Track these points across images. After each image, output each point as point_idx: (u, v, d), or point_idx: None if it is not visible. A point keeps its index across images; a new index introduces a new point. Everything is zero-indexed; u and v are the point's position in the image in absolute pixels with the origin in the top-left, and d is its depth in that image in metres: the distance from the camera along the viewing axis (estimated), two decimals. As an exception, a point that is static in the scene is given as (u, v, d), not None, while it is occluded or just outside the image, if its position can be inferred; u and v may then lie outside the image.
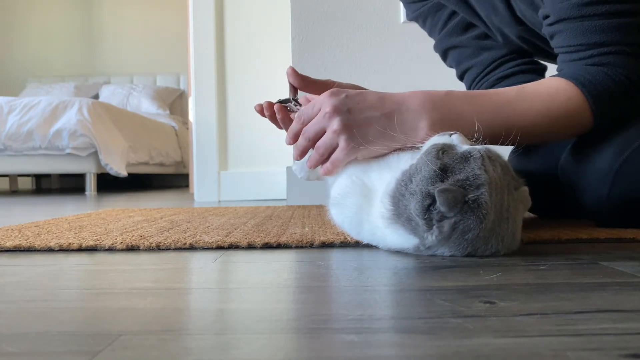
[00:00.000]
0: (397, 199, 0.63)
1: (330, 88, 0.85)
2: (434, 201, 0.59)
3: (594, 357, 0.31)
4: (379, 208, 0.66)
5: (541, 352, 0.32)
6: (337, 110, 0.72)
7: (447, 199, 0.58)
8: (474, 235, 0.59)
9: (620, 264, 0.58)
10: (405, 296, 0.47)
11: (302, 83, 0.83)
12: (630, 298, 0.44)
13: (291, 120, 0.84)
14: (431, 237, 0.60)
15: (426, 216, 0.60)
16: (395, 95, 0.75)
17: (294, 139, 0.77)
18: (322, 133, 0.74)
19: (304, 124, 0.75)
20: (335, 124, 0.72)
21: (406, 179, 0.63)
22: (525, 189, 0.65)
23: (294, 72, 0.83)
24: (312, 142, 0.75)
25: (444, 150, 0.63)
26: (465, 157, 0.61)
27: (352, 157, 0.73)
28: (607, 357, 0.30)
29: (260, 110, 0.85)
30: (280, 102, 0.85)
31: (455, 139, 0.65)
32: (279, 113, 0.84)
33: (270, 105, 0.84)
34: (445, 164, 0.61)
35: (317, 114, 0.74)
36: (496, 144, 0.84)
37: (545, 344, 0.33)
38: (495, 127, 0.76)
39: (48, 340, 0.36)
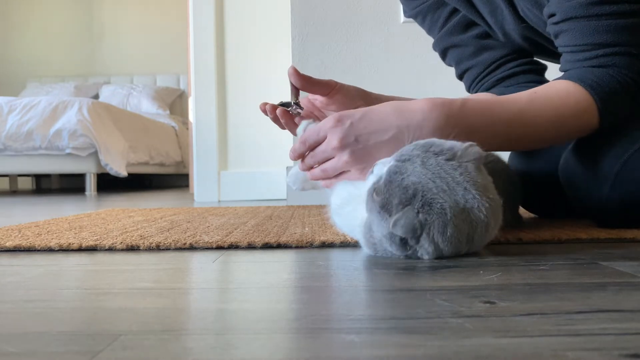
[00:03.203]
0: (376, 246, 0.65)
1: (333, 88, 0.84)
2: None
3: (594, 357, 0.31)
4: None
5: (541, 352, 0.32)
6: (344, 143, 0.70)
7: (403, 227, 0.58)
8: (452, 227, 0.59)
9: (620, 264, 0.58)
10: (405, 296, 0.47)
11: (304, 84, 0.82)
12: (630, 298, 0.44)
13: (294, 124, 0.84)
14: (426, 255, 0.61)
15: (407, 248, 0.61)
16: (407, 109, 0.71)
17: (300, 157, 0.77)
18: (330, 158, 0.73)
19: (310, 148, 0.74)
20: (345, 156, 0.70)
21: (367, 231, 0.65)
22: (467, 145, 0.63)
23: (295, 73, 0.81)
24: (320, 163, 0.74)
25: (374, 189, 0.63)
26: (389, 181, 0.61)
27: (363, 178, 0.72)
28: (607, 357, 0.30)
29: (264, 110, 0.84)
30: (282, 104, 0.84)
31: (376, 170, 0.65)
32: (283, 118, 0.83)
33: (273, 108, 0.83)
34: (381, 201, 0.61)
35: (322, 141, 0.72)
36: (507, 150, 0.84)
37: (545, 344, 0.33)
38: (508, 137, 0.76)
39: (48, 340, 0.36)
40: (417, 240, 0.60)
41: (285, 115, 0.83)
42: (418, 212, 0.59)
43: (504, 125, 0.75)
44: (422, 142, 0.65)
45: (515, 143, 0.80)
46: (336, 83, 0.85)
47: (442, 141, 0.64)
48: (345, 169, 0.72)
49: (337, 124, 0.70)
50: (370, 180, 0.65)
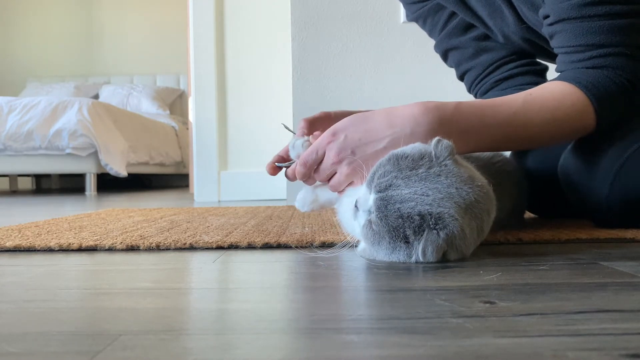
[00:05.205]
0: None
1: (323, 120, 0.83)
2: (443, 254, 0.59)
3: (594, 357, 0.31)
4: None
5: (541, 352, 0.32)
6: (342, 157, 0.71)
7: (433, 253, 0.58)
8: (467, 229, 0.59)
9: (620, 264, 0.58)
10: (405, 296, 0.47)
11: (311, 128, 0.82)
12: (630, 298, 0.44)
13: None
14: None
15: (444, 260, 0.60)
16: (399, 115, 0.72)
17: (305, 178, 0.76)
18: (333, 174, 0.74)
19: (310, 168, 0.74)
20: (344, 169, 0.72)
21: (369, 257, 0.63)
22: (435, 143, 0.62)
23: (304, 124, 0.81)
24: (328, 178, 0.75)
25: (369, 223, 0.61)
26: (384, 216, 0.59)
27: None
28: (607, 357, 0.30)
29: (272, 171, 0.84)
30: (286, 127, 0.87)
31: (360, 207, 0.63)
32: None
33: (273, 165, 0.82)
34: (388, 233, 0.59)
35: (322, 159, 0.73)
36: (505, 150, 0.85)
37: (545, 344, 0.33)
38: (503, 139, 0.76)
39: (48, 340, 0.36)
40: (444, 256, 0.59)
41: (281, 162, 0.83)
42: (437, 232, 0.58)
43: (498, 128, 0.75)
44: (384, 161, 0.63)
45: (513, 144, 0.81)
46: (328, 113, 0.85)
47: (405, 151, 0.63)
48: (348, 181, 0.73)
49: (332, 138, 0.72)
50: (362, 217, 0.63)
